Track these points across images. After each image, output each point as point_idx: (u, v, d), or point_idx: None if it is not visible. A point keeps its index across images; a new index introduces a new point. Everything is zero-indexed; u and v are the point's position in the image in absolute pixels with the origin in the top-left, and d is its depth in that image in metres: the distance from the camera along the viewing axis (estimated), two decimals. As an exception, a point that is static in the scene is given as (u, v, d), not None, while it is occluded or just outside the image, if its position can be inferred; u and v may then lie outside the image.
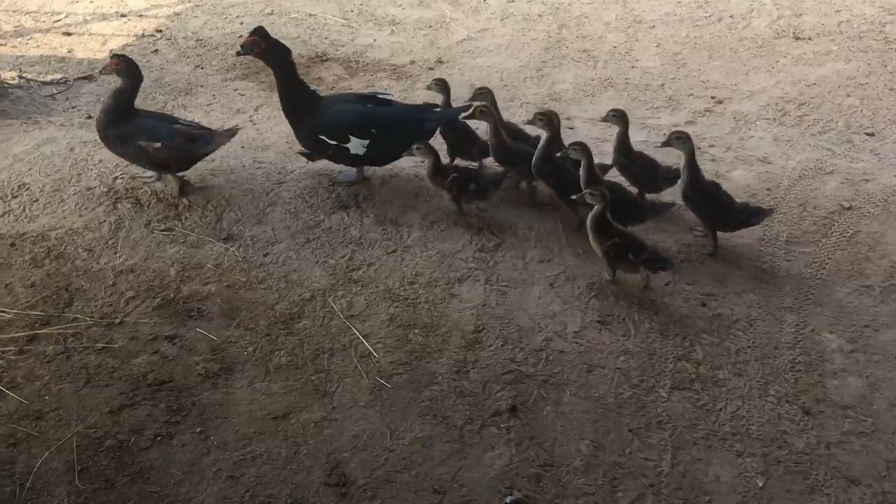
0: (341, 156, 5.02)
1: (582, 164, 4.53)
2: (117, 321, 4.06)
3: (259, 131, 5.96)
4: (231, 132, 5.11)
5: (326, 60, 7.32)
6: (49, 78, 6.78)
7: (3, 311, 4.07)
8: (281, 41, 5.05)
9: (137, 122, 4.92)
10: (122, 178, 5.19)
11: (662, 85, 6.96)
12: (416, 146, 4.83)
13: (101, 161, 5.33)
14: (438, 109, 5.17)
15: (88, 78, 6.78)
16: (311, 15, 8.24)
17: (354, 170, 5.21)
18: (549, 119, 4.80)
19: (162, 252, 4.58)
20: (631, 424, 3.60)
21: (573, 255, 4.62)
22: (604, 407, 3.68)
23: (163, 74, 6.98)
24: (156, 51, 7.43)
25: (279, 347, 3.95)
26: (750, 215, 4.61)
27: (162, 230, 4.75)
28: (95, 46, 7.51)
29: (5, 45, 7.50)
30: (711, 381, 3.84)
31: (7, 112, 6.13)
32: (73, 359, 3.82)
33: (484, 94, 5.10)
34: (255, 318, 4.13)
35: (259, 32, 4.87)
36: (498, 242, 4.71)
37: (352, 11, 8.38)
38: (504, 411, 3.64)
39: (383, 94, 5.43)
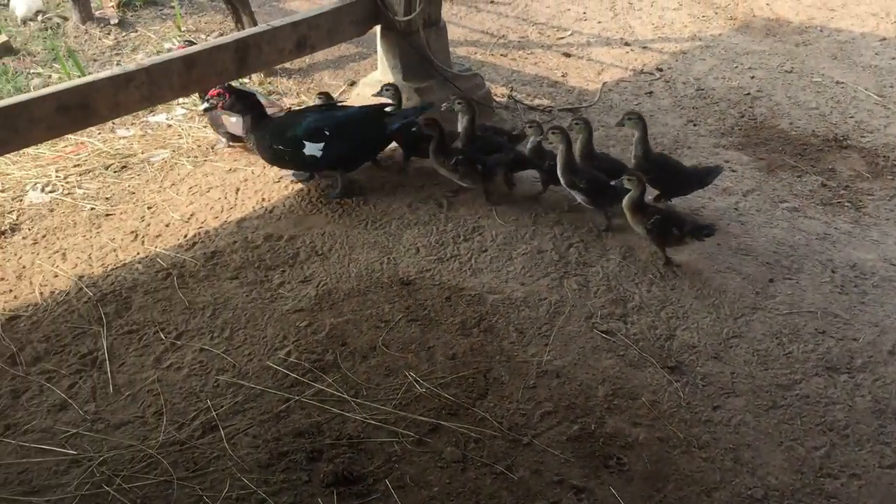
0: (298, 160, 4.89)
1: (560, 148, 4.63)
2: (525, 440, 3.44)
3: (743, 227, 4.92)
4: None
5: (846, 147, 5.96)
6: (536, 102, 6.48)
7: (418, 383, 3.70)
8: (245, 89, 5.10)
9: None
10: (577, 245, 4.61)
11: None
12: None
13: (560, 222, 4.81)
14: (394, 111, 5.10)
15: (573, 111, 6.34)
16: (838, 83, 6.87)
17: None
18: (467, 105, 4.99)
19: (595, 360, 3.86)
20: None
21: None
22: None
23: (650, 123, 6.25)
24: (650, 93, 6.75)
25: (704, 561, 2.99)
26: (703, 175, 4.88)
27: (602, 331, 4.04)
28: (590, 75, 7.07)
29: (506, 55, 7.42)
30: None
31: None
32: (467, 474, 3.28)
33: None
34: (684, 502, 3.21)
35: (223, 87, 4.83)
36: None
37: (892, 87, 6.82)
38: None
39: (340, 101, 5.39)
